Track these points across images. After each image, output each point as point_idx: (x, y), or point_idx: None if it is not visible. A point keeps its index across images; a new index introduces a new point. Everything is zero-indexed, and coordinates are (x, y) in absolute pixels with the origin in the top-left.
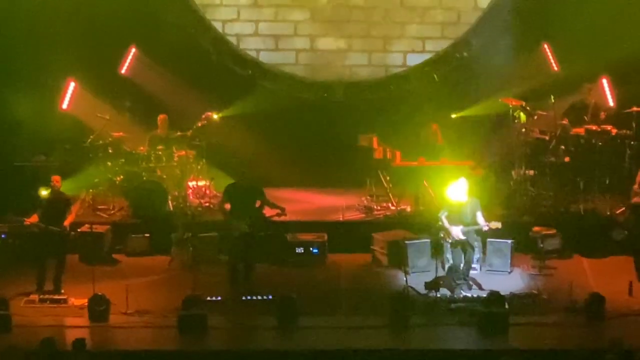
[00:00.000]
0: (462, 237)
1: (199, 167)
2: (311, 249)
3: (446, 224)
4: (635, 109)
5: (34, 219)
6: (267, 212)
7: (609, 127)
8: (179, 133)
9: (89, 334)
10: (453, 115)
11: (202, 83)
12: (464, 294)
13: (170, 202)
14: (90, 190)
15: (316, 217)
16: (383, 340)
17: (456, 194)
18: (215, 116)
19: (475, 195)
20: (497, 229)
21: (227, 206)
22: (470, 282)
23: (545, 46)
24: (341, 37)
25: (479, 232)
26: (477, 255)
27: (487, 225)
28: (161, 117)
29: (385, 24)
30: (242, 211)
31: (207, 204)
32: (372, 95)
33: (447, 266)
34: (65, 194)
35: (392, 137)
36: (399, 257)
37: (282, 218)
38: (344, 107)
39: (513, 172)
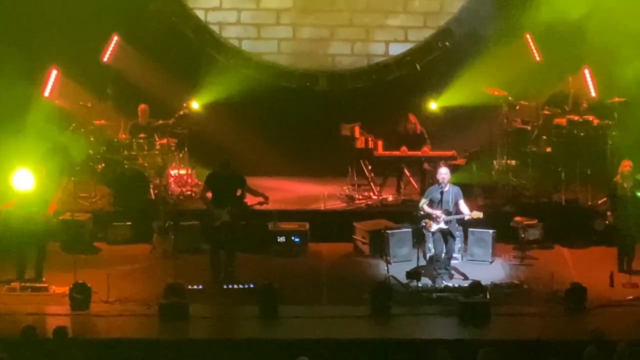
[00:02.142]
0: (444, 226)
1: (180, 155)
2: (293, 238)
3: (429, 210)
4: (617, 99)
5: (12, 204)
6: (250, 200)
7: (590, 118)
8: (160, 121)
9: (70, 322)
10: (435, 105)
11: (184, 71)
12: (446, 283)
13: (151, 190)
14: (72, 178)
15: (298, 206)
16: (364, 330)
17: None
18: (197, 105)
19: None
20: (478, 218)
21: (209, 195)
22: (452, 272)
23: (528, 36)
24: (324, 26)
25: (461, 222)
26: (458, 245)
27: (469, 215)
28: (141, 107)
29: (368, 13)
30: (224, 200)
31: (188, 193)
32: (355, 84)
33: (428, 256)
34: (48, 182)
35: (374, 126)
36: (380, 246)
37: (264, 207)
38: (326, 96)
39: (495, 162)
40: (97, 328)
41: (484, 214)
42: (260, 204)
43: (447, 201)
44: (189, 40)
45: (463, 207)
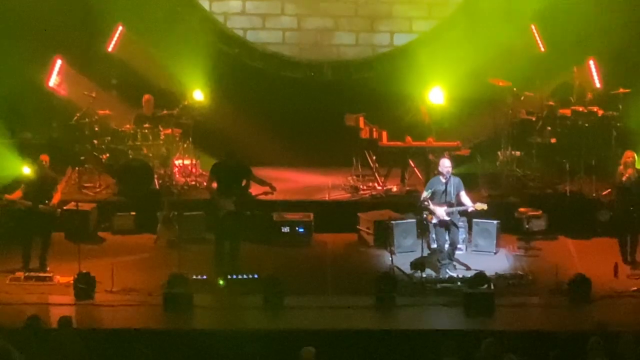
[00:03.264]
0: (446, 218)
1: (185, 145)
2: (297, 228)
3: (430, 204)
4: (621, 90)
5: (17, 195)
6: (255, 190)
7: (595, 109)
8: (165, 111)
9: (74, 312)
10: (440, 96)
11: (189, 61)
12: (450, 274)
13: (156, 180)
14: (77, 168)
15: (302, 197)
16: (368, 320)
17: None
18: (201, 95)
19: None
20: (482, 210)
21: (215, 185)
22: (455, 263)
23: (533, 27)
24: (328, 16)
25: (464, 213)
26: (462, 235)
27: (472, 207)
28: (146, 98)
29: (373, 4)
30: (229, 190)
31: (193, 183)
32: (359, 74)
33: (432, 246)
34: (52, 173)
35: (378, 116)
36: (384, 237)
37: (269, 197)
38: (330, 87)
39: (499, 153)
40: (101, 318)
41: (488, 204)
42: (266, 193)
43: (449, 192)
44: (194, 31)
45: (464, 198)
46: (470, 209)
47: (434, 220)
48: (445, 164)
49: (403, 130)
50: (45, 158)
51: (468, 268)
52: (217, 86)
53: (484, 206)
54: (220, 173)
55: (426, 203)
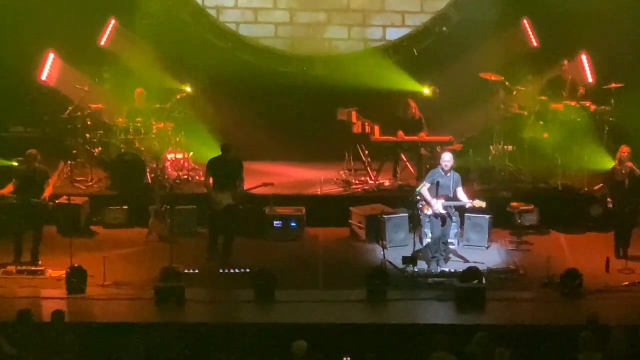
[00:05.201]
0: (443, 212)
1: (177, 139)
2: (290, 222)
3: (428, 196)
4: (614, 85)
5: (8, 189)
6: (253, 183)
7: (587, 103)
8: (157, 106)
9: (66, 306)
10: (431, 91)
11: (181, 55)
12: (442, 268)
13: (148, 174)
14: (69, 162)
15: (295, 191)
16: (361, 315)
17: None
18: (190, 89)
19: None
20: (480, 207)
21: (211, 181)
22: (450, 255)
23: (525, 22)
24: (321, 10)
25: (460, 208)
26: (455, 230)
27: (471, 203)
28: (138, 92)
29: None
30: (225, 184)
31: (185, 177)
32: (352, 69)
33: (425, 240)
34: (43, 166)
35: (371, 111)
36: (377, 231)
37: (261, 190)
38: (323, 81)
39: (492, 148)
40: (93, 312)
41: (480, 199)
42: (266, 185)
43: (447, 187)
44: (187, 24)
45: (461, 194)
46: (468, 206)
47: (429, 212)
48: (445, 158)
49: (395, 125)
50: (35, 152)
51: (466, 261)
52: (209, 80)
53: (483, 204)
54: (216, 168)
55: (418, 197)
